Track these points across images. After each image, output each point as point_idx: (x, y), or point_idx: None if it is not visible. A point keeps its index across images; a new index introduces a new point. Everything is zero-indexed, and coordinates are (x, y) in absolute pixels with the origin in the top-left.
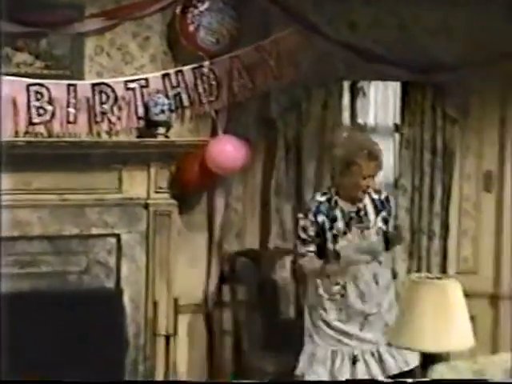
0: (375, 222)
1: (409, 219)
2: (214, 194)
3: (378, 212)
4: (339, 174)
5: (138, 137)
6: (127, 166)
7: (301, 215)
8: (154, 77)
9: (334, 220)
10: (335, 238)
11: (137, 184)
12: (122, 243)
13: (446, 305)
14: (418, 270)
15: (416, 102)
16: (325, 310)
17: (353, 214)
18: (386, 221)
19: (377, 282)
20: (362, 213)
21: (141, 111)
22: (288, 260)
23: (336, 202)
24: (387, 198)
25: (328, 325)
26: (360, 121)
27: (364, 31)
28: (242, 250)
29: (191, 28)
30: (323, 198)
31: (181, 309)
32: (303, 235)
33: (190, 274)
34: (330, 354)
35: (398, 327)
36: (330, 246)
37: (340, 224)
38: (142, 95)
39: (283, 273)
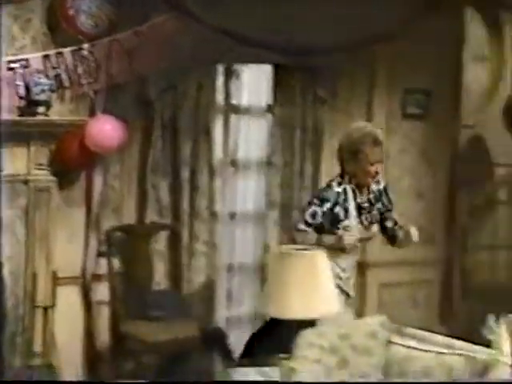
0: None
1: (280, 194)
2: (93, 171)
3: (376, 202)
4: (348, 162)
5: (19, 115)
6: (8, 143)
7: (316, 201)
8: (35, 58)
9: (347, 211)
10: (345, 228)
11: (17, 161)
12: (3, 218)
13: (314, 274)
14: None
15: (287, 83)
16: None
17: (365, 205)
18: (380, 212)
19: (354, 268)
20: (370, 204)
21: (22, 91)
22: (163, 234)
23: (351, 192)
24: (385, 189)
25: None
26: (234, 102)
27: (239, 16)
28: (119, 225)
29: (71, 12)
30: (340, 189)
31: (59, 281)
32: (311, 220)
33: (69, 248)
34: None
35: (267, 296)
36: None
37: (352, 216)
38: (23, 75)
39: (158, 246)
